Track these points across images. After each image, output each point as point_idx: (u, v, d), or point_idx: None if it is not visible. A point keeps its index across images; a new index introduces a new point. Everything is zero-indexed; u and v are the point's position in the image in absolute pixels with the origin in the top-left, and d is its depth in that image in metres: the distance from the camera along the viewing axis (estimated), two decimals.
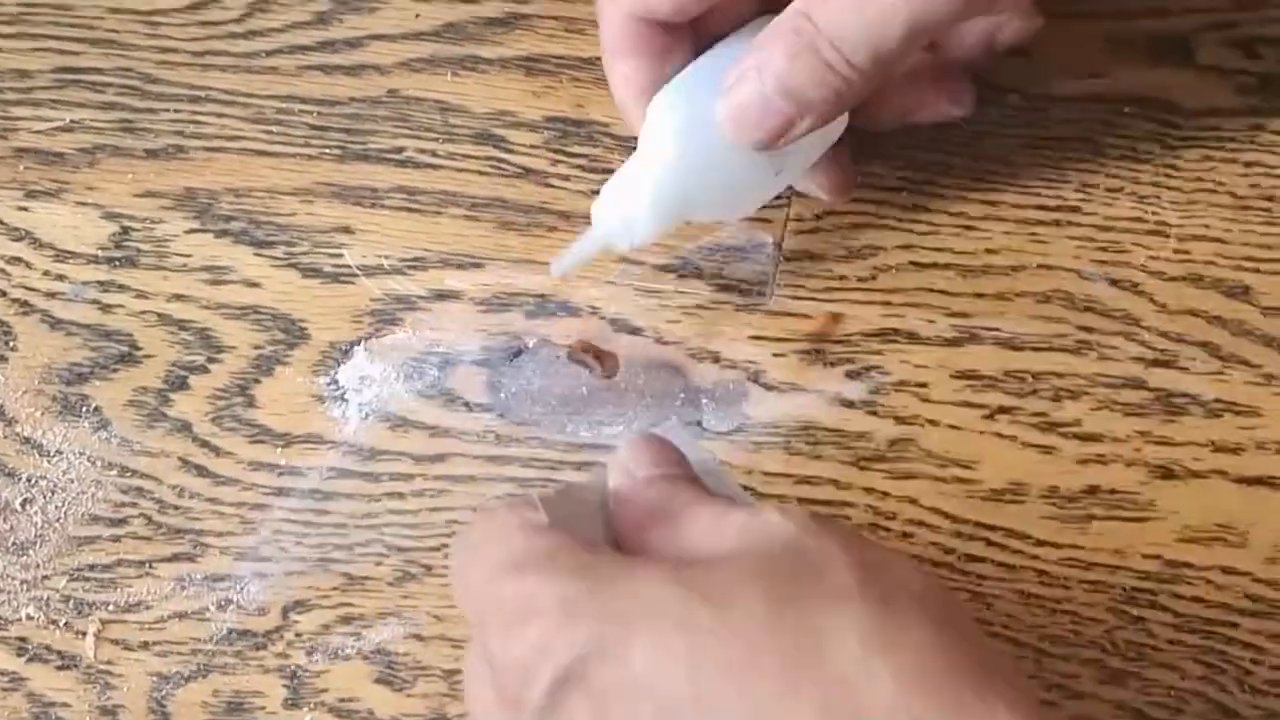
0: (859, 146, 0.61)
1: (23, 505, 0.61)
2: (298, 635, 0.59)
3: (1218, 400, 0.59)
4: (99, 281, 0.63)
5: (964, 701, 0.39)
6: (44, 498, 0.61)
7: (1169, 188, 0.61)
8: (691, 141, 0.53)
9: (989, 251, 0.61)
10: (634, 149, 0.56)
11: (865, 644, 0.39)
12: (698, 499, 0.46)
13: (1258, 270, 0.60)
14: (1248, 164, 0.61)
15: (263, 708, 0.59)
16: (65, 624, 0.60)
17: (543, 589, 0.42)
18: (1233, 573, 0.57)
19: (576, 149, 0.63)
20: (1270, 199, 0.61)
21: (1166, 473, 0.58)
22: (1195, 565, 0.57)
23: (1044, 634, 0.57)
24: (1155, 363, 0.59)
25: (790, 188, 0.59)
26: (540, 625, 0.41)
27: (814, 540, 0.42)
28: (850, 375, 0.60)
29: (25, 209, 0.64)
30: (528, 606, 0.41)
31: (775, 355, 0.61)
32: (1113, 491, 0.59)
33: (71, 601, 0.60)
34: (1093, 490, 0.59)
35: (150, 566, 0.60)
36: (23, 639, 0.60)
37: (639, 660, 0.40)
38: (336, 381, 0.61)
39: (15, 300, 0.63)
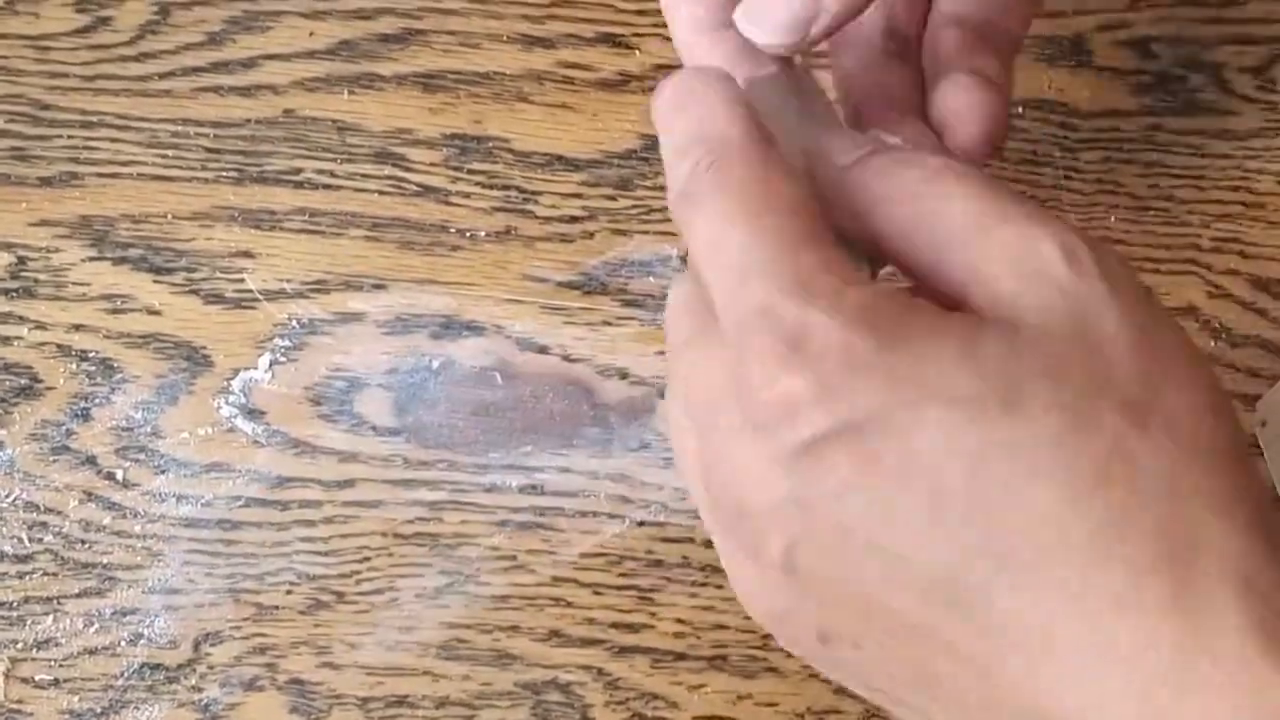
0: None
1: None
2: (210, 668, 0.59)
3: None
4: None
5: (1233, 565, 0.38)
6: None
7: (1069, 190, 0.62)
8: None
9: None
10: (534, 164, 0.59)
11: (1153, 485, 0.38)
12: (1010, 215, 0.42)
13: (1158, 270, 0.61)
14: (1147, 164, 0.61)
15: None
16: None
17: (826, 327, 0.39)
18: None
19: (476, 165, 0.62)
20: (1169, 199, 0.61)
21: None
22: None
23: None
24: None
25: None
26: (821, 367, 0.38)
27: (1116, 327, 0.40)
28: None
29: None
30: (807, 338, 0.39)
31: None
32: None
33: None
34: None
35: (58, 603, 0.60)
36: None
37: (924, 442, 0.38)
38: (241, 409, 0.60)
39: None
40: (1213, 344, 0.60)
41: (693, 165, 0.43)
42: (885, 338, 0.39)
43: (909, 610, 0.39)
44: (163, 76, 0.64)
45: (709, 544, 0.55)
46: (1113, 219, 0.61)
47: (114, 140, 0.63)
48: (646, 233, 0.62)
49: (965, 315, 0.40)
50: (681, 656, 0.59)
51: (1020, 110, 0.62)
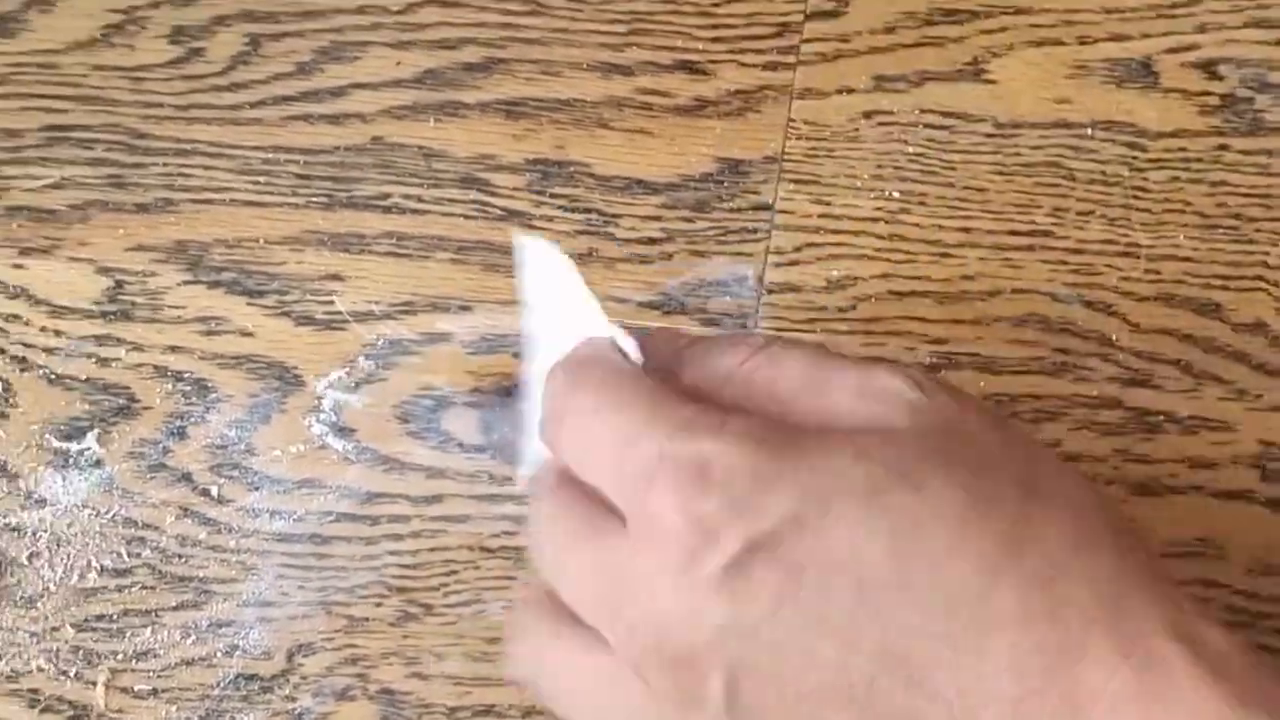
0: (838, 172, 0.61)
1: (29, 559, 0.62)
2: (303, 678, 0.61)
3: (1192, 417, 0.60)
4: (95, 336, 0.64)
5: (1161, 611, 0.40)
6: (49, 551, 0.62)
7: (1138, 209, 0.62)
8: None
9: (965, 278, 0.62)
10: (614, 188, 0.61)
11: (1061, 546, 0.40)
12: (839, 363, 0.45)
13: (1226, 288, 0.61)
14: (1214, 184, 0.62)
15: None
16: (75, 674, 0.61)
17: (723, 453, 0.41)
18: (1214, 585, 0.59)
19: (559, 190, 0.64)
20: (1237, 217, 0.62)
21: (1145, 489, 0.60)
22: (1176, 579, 0.58)
23: None
24: (1130, 382, 0.61)
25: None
26: (729, 488, 0.40)
27: (978, 428, 0.43)
28: None
29: (20, 266, 0.64)
30: (708, 466, 0.41)
31: None
32: None
33: (80, 652, 0.61)
34: None
35: (156, 615, 0.62)
36: (34, 690, 0.61)
37: (839, 536, 0.40)
38: (332, 427, 0.62)
39: (14, 357, 0.63)
40: None
41: (553, 391, 0.46)
42: (779, 451, 0.41)
43: (861, 703, 0.40)
44: (254, 105, 0.65)
45: None
46: (1181, 237, 0.62)
47: (207, 167, 0.65)
48: (723, 253, 0.63)
49: (843, 430, 0.43)
50: None
51: (1089, 131, 0.63)
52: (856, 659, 0.40)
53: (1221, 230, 0.62)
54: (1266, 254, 0.62)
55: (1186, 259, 0.62)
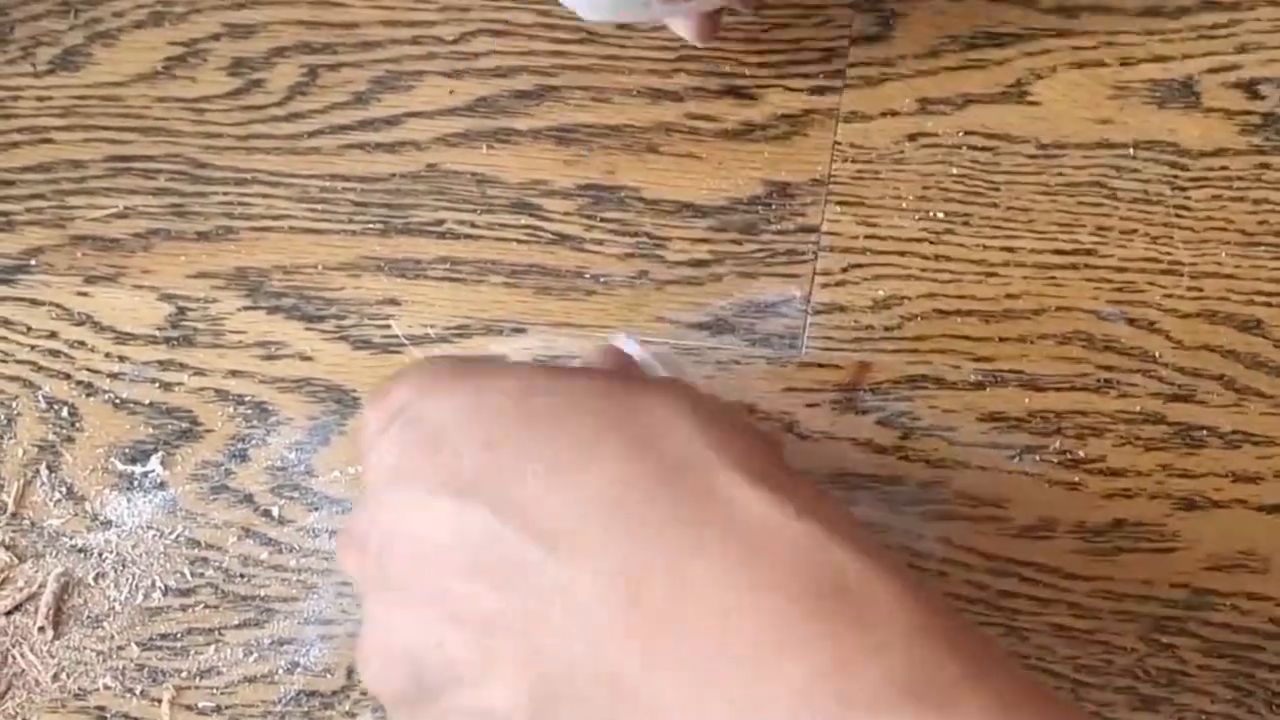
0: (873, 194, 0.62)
1: (95, 580, 0.64)
2: (363, 694, 0.62)
3: (1235, 431, 0.61)
4: (158, 361, 0.65)
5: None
6: (115, 571, 0.64)
7: (1180, 227, 0.63)
8: None
9: (1009, 296, 0.63)
10: (663, 211, 0.63)
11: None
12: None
13: (1269, 304, 0.62)
14: (1255, 201, 0.63)
15: None
16: (141, 692, 0.63)
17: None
18: (1257, 598, 0.60)
19: (609, 214, 0.65)
20: (1278, 234, 0.62)
21: (1189, 504, 0.60)
22: (1221, 592, 0.60)
23: (1078, 664, 0.60)
24: (1174, 398, 0.61)
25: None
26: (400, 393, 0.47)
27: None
28: (881, 422, 0.62)
29: (85, 294, 0.66)
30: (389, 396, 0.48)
31: (808, 405, 0.63)
32: (1138, 524, 0.61)
33: (146, 670, 0.63)
34: (1119, 524, 0.61)
35: (219, 633, 0.63)
36: (101, 708, 0.63)
37: (460, 400, 0.47)
38: None
39: (80, 382, 0.65)
40: None
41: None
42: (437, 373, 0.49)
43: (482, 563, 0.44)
44: (311, 135, 0.67)
45: None
46: (1223, 255, 0.62)
47: (266, 196, 0.66)
48: (772, 275, 0.64)
49: None
50: None
51: (1132, 151, 0.64)
52: (473, 517, 0.43)
53: (1263, 248, 0.63)
54: None
55: (1229, 276, 0.63)
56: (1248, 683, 0.59)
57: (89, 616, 0.64)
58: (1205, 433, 0.61)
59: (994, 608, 0.60)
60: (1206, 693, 0.59)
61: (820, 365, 0.63)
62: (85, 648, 0.63)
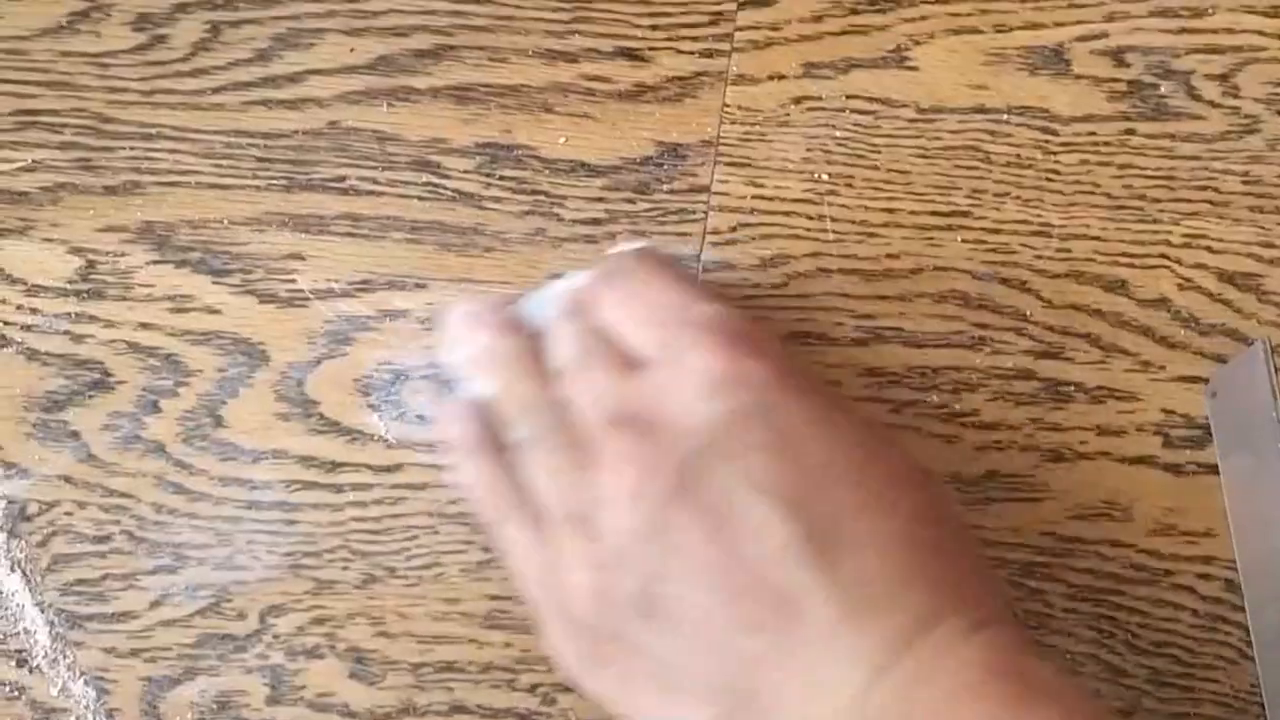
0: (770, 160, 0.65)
1: (12, 528, 0.65)
2: (275, 637, 0.65)
3: (1100, 387, 0.65)
4: (70, 313, 0.67)
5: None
6: (30, 521, 0.65)
7: (1050, 191, 0.66)
8: None
9: (889, 256, 0.66)
10: (559, 170, 0.66)
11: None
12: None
13: (1133, 265, 0.66)
14: (1121, 166, 0.66)
15: (247, 704, 0.65)
16: (60, 636, 0.65)
17: (770, 339, 0.55)
18: (1119, 545, 0.64)
19: (507, 172, 0.67)
20: (1142, 198, 0.66)
21: (1057, 456, 0.64)
22: (1085, 540, 0.64)
23: None
24: (1043, 354, 0.65)
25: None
26: (770, 361, 0.53)
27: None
28: None
29: None
30: (759, 344, 0.54)
31: None
32: (1009, 475, 0.65)
33: (64, 615, 0.65)
34: (991, 474, 0.65)
35: (135, 579, 0.65)
36: (21, 651, 0.65)
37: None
38: (296, 400, 0.66)
39: None
40: (1183, 332, 0.65)
41: (613, 260, 0.60)
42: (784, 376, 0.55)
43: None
44: (215, 91, 0.68)
45: None
46: (1090, 218, 0.66)
47: (172, 151, 0.68)
48: (664, 234, 0.67)
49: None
50: None
51: (1005, 116, 0.67)
52: (783, 524, 0.50)
53: (1128, 211, 0.66)
54: (1169, 233, 0.66)
55: (1095, 238, 0.66)
56: (1109, 625, 0.63)
57: (11, 561, 0.65)
58: (1072, 388, 0.64)
59: None
60: (1072, 634, 0.63)
61: None
62: (6, 592, 0.65)
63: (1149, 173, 0.66)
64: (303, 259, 0.67)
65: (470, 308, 0.60)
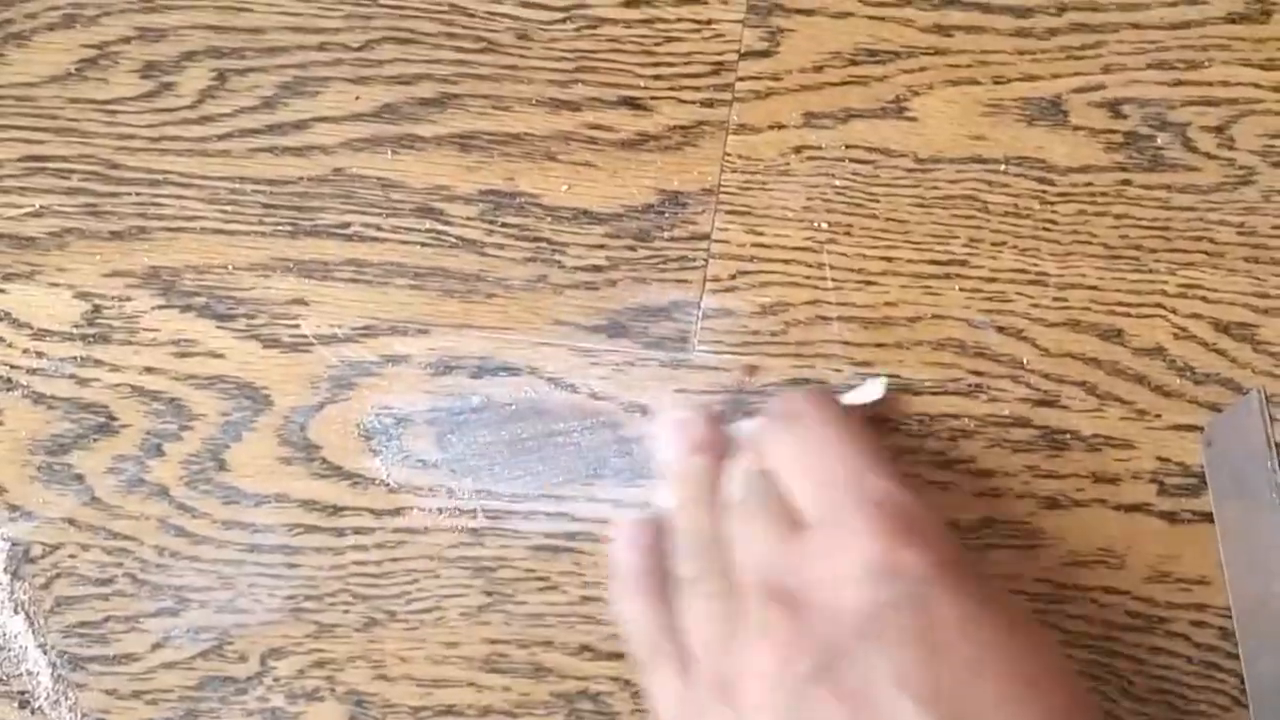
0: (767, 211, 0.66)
1: (16, 570, 0.66)
2: (276, 680, 0.65)
3: (1096, 435, 0.65)
4: (75, 357, 0.67)
5: None
6: (33, 563, 0.66)
7: (1047, 240, 0.67)
8: None
9: (887, 304, 0.66)
10: (561, 218, 0.67)
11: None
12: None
13: (1129, 314, 0.66)
14: (1118, 216, 0.66)
15: None
16: (62, 678, 0.65)
17: (932, 521, 0.54)
18: (1114, 592, 0.64)
19: (509, 219, 0.68)
20: (1138, 248, 0.66)
21: (1053, 503, 0.65)
22: (1081, 586, 0.64)
23: None
24: (1040, 402, 0.65)
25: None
26: (928, 550, 0.52)
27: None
28: None
29: (2, 290, 0.68)
30: (911, 529, 0.53)
31: (699, 406, 0.66)
32: (1006, 522, 0.65)
33: (67, 656, 0.65)
34: (988, 522, 0.65)
35: (137, 621, 0.66)
36: (24, 693, 0.65)
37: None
38: (299, 444, 0.66)
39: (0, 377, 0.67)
40: (1178, 381, 0.65)
41: (799, 399, 0.61)
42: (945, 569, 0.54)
43: None
44: (221, 138, 0.69)
45: None
46: (1087, 267, 0.66)
47: (178, 197, 0.69)
48: (664, 281, 0.67)
49: None
50: None
51: (1003, 166, 0.67)
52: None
53: (1124, 260, 0.66)
54: (1165, 283, 0.66)
55: (1092, 287, 0.67)
56: (1105, 672, 0.63)
57: (14, 603, 0.65)
58: (1068, 436, 0.65)
59: None
60: None
61: (710, 368, 0.67)
62: (9, 634, 0.65)
63: (1145, 223, 0.67)
64: (306, 304, 0.67)
65: (682, 416, 0.63)
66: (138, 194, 0.68)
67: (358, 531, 0.66)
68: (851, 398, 0.63)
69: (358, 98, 0.69)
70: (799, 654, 0.51)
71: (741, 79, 0.68)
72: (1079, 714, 0.51)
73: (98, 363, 0.67)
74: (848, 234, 0.66)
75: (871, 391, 0.63)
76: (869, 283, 0.66)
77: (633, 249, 0.67)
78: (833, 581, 0.52)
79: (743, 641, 0.53)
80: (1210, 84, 0.68)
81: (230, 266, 0.68)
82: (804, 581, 0.52)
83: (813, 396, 0.60)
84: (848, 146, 0.67)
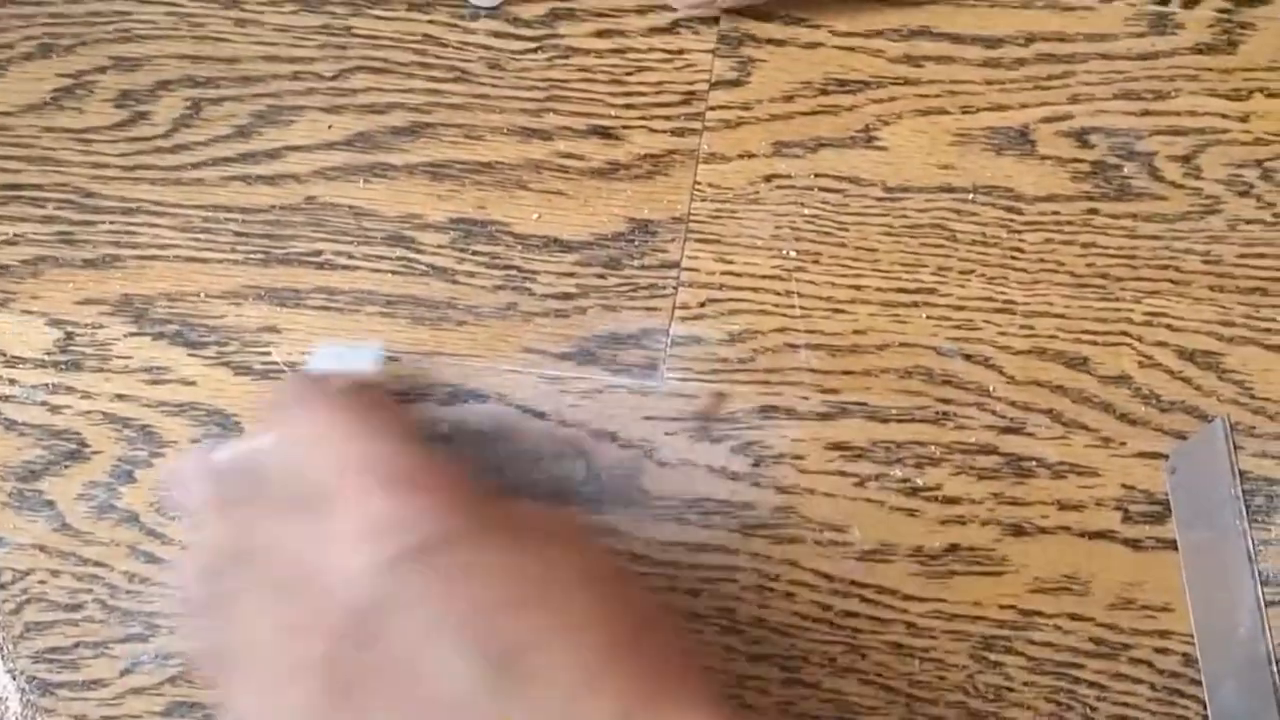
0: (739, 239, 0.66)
1: None
2: None
3: (1062, 462, 0.65)
4: (47, 384, 0.68)
5: None
6: (4, 589, 0.66)
7: (1015, 269, 0.67)
8: None
9: (856, 332, 0.66)
10: (532, 246, 0.66)
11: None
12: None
13: (1095, 343, 0.66)
14: (1084, 245, 0.67)
15: None
16: (31, 703, 0.65)
17: (436, 472, 0.52)
18: (1078, 619, 0.64)
19: (480, 248, 0.68)
20: (1105, 277, 0.67)
21: (1018, 530, 0.65)
22: (1045, 613, 0.64)
23: (913, 680, 0.64)
24: (1006, 430, 0.65)
25: None
26: (433, 497, 0.50)
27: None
28: (735, 450, 0.66)
29: None
30: (422, 480, 0.51)
31: (667, 434, 0.67)
32: (971, 549, 0.65)
33: (35, 681, 0.65)
34: (953, 548, 0.65)
35: (106, 647, 0.66)
36: None
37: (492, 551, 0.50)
38: None
39: None
40: (1143, 409, 0.66)
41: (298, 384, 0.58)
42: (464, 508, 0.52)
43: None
44: (195, 166, 0.70)
45: (691, 592, 0.62)
46: (1054, 295, 0.67)
47: (151, 225, 0.69)
48: (634, 308, 0.68)
49: None
50: None
51: (971, 195, 0.68)
52: (468, 662, 0.48)
53: (1090, 289, 0.67)
54: (1131, 311, 0.66)
55: (1058, 315, 0.67)
56: (1068, 698, 0.64)
57: None
58: (1034, 463, 0.65)
59: (836, 627, 0.64)
60: (1030, 707, 0.64)
61: (679, 395, 0.67)
62: None
63: (1111, 251, 0.67)
64: (278, 332, 0.68)
65: (180, 464, 0.59)
66: (111, 222, 0.69)
67: None
68: (326, 363, 0.64)
69: (330, 126, 0.69)
70: (323, 633, 0.50)
71: (712, 108, 0.68)
72: (625, 605, 0.51)
73: (70, 390, 0.68)
74: (816, 262, 0.67)
75: (357, 360, 0.64)
76: (837, 310, 0.66)
77: (603, 277, 0.67)
78: (350, 547, 0.50)
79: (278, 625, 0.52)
80: (1177, 114, 0.68)
81: (203, 294, 0.68)
82: (324, 553, 0.52)
83: (302, 382, 0.58)
84: (817, 175, 0.68)
